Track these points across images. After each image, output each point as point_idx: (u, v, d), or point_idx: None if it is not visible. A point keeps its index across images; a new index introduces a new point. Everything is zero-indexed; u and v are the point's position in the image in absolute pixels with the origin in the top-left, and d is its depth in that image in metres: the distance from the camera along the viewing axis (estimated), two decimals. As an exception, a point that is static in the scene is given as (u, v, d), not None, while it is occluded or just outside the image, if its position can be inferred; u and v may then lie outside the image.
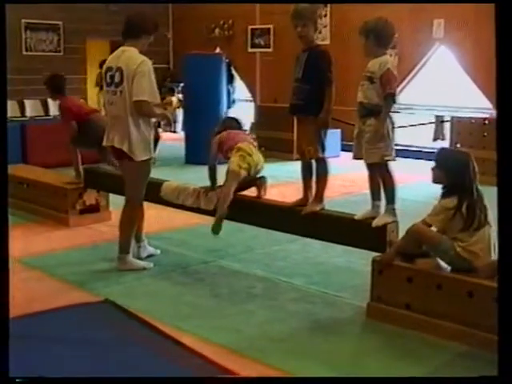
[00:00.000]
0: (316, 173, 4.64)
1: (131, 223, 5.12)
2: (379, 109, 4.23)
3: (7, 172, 2.44)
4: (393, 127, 4.32)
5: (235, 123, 5.45)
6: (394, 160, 4.35)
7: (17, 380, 2.47)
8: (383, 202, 4.37)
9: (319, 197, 4.63)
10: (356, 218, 4.41)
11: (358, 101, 4.37)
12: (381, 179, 4.38)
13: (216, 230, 4.90)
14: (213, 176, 5.20)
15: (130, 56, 4.90)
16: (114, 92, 4.92)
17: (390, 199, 4.35)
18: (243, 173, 4.94)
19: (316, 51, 4.56)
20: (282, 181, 8.38)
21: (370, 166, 4.39)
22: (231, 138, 5.15)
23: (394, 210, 4.33)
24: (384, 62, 4.26)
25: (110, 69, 4.98)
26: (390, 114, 4.32)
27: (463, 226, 3.90)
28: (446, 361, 3.62)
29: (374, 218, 4.32)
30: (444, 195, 4.01)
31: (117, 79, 4.89)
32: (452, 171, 4.00)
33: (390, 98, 4.24)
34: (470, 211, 3.90)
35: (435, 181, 4.10)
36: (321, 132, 4.56)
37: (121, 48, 5.03)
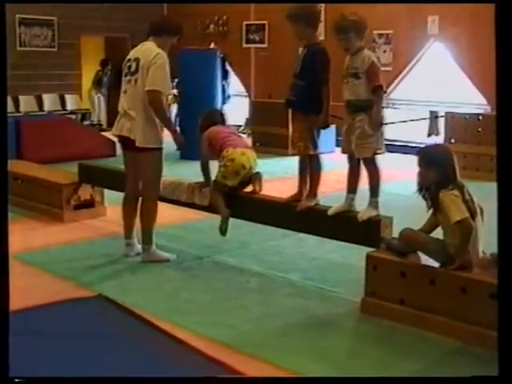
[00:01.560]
0: (309, 169, 4.66)
1: (151, 215, 5.16)
2: (369, 104, 4.25)
3: (7, 168, 2.41)
4: (382, 121, 4.34)
5: (219, 117, 5.47)
6: (383, 153, 4.38)
7: (16, 380, 2.44)
8: (369, 198, 4.40)
9: (312, 192, 4.64)
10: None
11: (344, 99, 4.39)
12: (367, 173, 4.41)
13: (222, 231, 5.05)
14: (206, 171, 5.22)
15: (148, 48, 5.06)
16: (129, 80, 5.04)
17: (375, 193, 4.38)
18: (230, 183, 5.02)
19: (313, 49, 4.54)
20: (278, 176, 8.37)
21: (361, 161, 4.40)
22: (221, 138, 5.17)
23: (377, 203, 4.37)
24: (367, 56, 4.29)
25: (128, 60, 5.12)
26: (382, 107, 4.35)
27: None
28: (441, 356, 3.63)
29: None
30: (438, 190, 3.92)
31: (133, 68, 5.02)
32: (443, 165, 3.93)
33: (380, 90, 4.27)
34: (466, 202, 3.88)
35: (425, 182, 4.00)
36: (313, 129, 4.56)
37: (142, 43, 5.20)
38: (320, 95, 4.45)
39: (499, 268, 2.30)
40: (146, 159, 5.04)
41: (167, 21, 5.51)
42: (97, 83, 14.50)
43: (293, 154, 4.83)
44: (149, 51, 5.01)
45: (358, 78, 4.27)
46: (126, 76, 5.11)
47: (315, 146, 4.59)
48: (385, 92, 4.32)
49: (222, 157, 5.04)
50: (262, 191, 5.10)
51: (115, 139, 5.49)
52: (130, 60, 5.11)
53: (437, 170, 3.93)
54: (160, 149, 5.08)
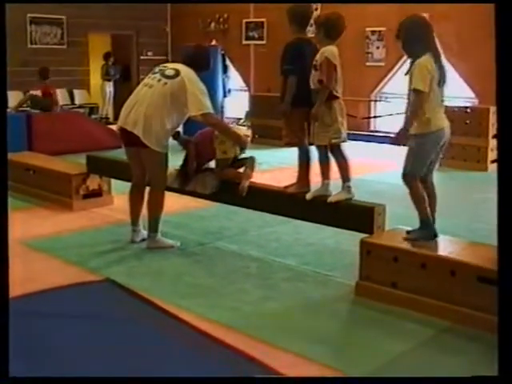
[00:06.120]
0: (298, 159, 4.67)
1: (158, 205, 5.11)
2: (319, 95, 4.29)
3: (7, 162, 2.35)
4: (342, 112, 4.34)
5: None
6: (344, 142, 4.39)
7: (17, 380, 2.41)
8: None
9: (301, 181, 4.64)
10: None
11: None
12: (335, 160, 4.44)
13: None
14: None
15: (191, 72, 4.95)
16: (159, 79, 4.93)
17: (346, 178, 4.41)
18: (232, 154, 5.01)
19: (287, 44, 4.56)
20: (276, 166, 8.38)
21: (318, 148, 4.43)
22: (205, 131, 5.17)
23: (349, 187, 4.40)
24: (324, 51, 4.30)
25: (165, 66, 5.08)
26: (340, 100, 4.33)
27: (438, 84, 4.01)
28: (431, 336, 3.62)
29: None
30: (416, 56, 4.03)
31: (168, 73, 4.94)
32: (411, 36, 4.11)
33: (321, 85, 4.27)
34: (441, 68, 4.04)
35: (404, 50, 4.18)
36: (296, 121, 4.54)
37: (180, 64, 5.08)
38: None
39: (499, 266, 2.26)
40: (151, 155, 4.96)
41: (207, 58, 5.21)
42: (106, 74, 14.53)
43: (285, 145, 4.84)
44: (192, 75, 4.92)
45: (316, 70, 4.31)
46: (155, 73, 5.01)
47: (304, 137, 4.57)
48: (326, 87, 4.24)
49: (215, 137, 5.02)
50: (252, 173, 5.01)
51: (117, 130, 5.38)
52: (166, 67, 5.05)
53: (407, 40, 4.12)
54: (163, 153, 5.02)
